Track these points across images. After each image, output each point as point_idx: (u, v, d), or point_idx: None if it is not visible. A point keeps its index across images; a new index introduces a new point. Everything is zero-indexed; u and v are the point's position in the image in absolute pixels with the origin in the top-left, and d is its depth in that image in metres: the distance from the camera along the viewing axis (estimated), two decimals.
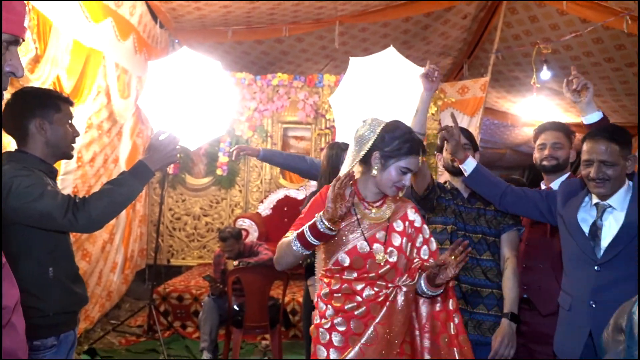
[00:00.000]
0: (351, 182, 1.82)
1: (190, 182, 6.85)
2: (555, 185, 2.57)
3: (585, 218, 2.17)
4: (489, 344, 2.37)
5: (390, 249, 1.95)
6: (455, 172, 2.60)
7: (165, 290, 5.38)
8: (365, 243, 1.93)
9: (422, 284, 1.92)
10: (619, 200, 2.11)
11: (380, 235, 1.96)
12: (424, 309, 2.01)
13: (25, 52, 3.42)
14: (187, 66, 4.59)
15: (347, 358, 1.83)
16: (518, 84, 8.09)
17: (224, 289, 4.29)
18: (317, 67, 7.86)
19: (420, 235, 2.05)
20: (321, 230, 1.79)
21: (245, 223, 6.13)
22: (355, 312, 1.88)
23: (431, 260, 1.96)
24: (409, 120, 2.62)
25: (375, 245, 1.93)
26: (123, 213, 5.31)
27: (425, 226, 2.09)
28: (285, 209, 6.50)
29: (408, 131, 2.00)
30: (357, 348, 1.84)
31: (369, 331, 1.85)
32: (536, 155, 2.66)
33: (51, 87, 3.69)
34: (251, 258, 4.42)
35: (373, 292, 1.90)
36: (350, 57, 4.47)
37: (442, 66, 8.37)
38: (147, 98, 4.72)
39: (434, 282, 1.89)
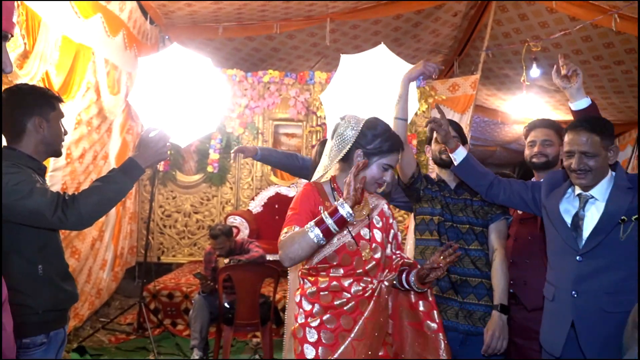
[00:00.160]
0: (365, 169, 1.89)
1: (181, 179, 6.83)
2: None
3: (568, 209, 2.19)
4: (481, 334, 2.39)
5: (374, 245, 1.99)
6: (443, 164, 2.62)
7: (155, 288, 5.37)
8: (352, 240, 1.95)
9: (412, 279, 2.00)
10: (601, 191, 2.12)
11: (364, 232, 2.00)
12: (397, 299, 2.07)
13: (13, 47, 3.39)
14: (178, 63, 4.57)
15: (338, 353, 1.85)
16: (508, 82, 8.13)
17: (214, 287, 4.28)
18: (308, 64, 7.85)
19: (392, 231, 2.12)
20: (344, 215, 1.77)
21: (236, 220, 6.12)
22: (345, 308, 1.90)
23: (409, 259, 2.05)
24: None
25: (362, 242, 1.96)
26: (113, 210, 5.28)
27: (394, 221, 2.16)
28: (277, 206, 6.50)
29: (388, 128, 2.05)
30: (347, 343, 1.85)
31: (358, 326, 1.87)
32: (526, 152, 2.68)
33: (40, 83, 3.66)
34: (242, 255, 4.42)
35: (360, 288, 1.93)
36: (341, 55, 4.47)
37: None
38: (138, 94, 4.69)
39: (424, 280, 1.98)
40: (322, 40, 6.78)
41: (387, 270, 2.01)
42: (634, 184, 2.08)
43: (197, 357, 4.25)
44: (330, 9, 6.37)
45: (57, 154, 2.21)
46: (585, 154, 2.08)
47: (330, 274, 1.93)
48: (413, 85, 4.56)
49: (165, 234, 6.82)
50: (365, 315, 1.89)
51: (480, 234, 2.53)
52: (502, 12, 6.56)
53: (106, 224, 5.41)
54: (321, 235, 1.77)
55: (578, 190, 2.17)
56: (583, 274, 2.08)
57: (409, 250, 3.12)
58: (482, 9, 6.83)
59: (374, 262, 1.97)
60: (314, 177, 2.09)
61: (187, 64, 4.58)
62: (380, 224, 2.07)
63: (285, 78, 6.78)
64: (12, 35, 1.19)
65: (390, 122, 2.55)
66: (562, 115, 8.24)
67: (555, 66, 2.41)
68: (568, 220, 2.17)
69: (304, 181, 4.48)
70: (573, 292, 2.08)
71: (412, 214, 2.75)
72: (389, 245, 2.09)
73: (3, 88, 2.12)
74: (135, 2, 5.56)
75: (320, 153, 3.06)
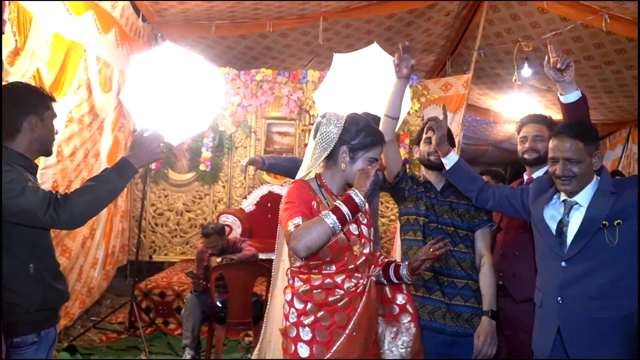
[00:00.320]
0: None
1: (173, 177, 6.81)
2: (537, 176, 2.60)
3: (554, 215, 2.20)
4: (469, 335, 2.40)
5: (363, 240, 2.02)
6: (431, 165, 2.62)
7: (147, 287, 5.35)
8: (344, 236, 1.96)
9: (404, 272, 2.03)
10: (586, 197, 2.12)
11: (353, 228, 2.01)
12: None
13: (4, 44, 3.36)
14: (170, 60, 4.55)
15: (334, 350, 1.85)
16: (500, 81, 8.17)
17: (206, 286, 4.27)
18: (301, 62, 7.85)
19: (372, 228, 2.16)
20: (358, 203, 1.85)
21: (228, 219, 6.10)
22: (339, 305, 1.90)
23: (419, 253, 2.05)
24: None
25: (352, 238, 1.98)
26: (104, 208, 5.26)
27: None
28: (269, 204, 6.49)
29: (369, 122, 2.08)
30: (342, 340, 1.86)
31: (352, 322, 1.88)
32: (519, 147, 2.70)
33: (31, 81, 3.64)
34: (234, 254, 4.41)
35: (353, 284, 1.94)
36: (334, 53, 4.48)
37: (425, 63, 8.42)
38: (130, 92, 4.67)
39: (415, 271, 2.02)
40: (315, 39, 6.78)
41: (372, 266, 2.05)
42: (618, 189, 2.08)
43: (189, 357, 4.24)
44: (323, 8, 6.38)
45: (48, 153, 2.22)
46: (569, 160, 2.08)
47: (323, 271, 1.93)
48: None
49: (157, 232, 6.80)
50: (358, 311, 1.90)
51: (465, 237, 2.54)
52: (494, 12, 6.59)
53: (97, 222, 5.39)
54: (337, 221, 1.81)
55: (563, 197, 2.18)
56: (568, 279, 2.09)
57: (398, 249, 3.13)
58: (474, 8, 6.86)
59: (363, 258, 1.99)
60: (298, 177, 2.10)
61: (180, 62, 4.57)
62: (365, 220, 2.10)
63: (278, 76, 6.77)
64: (3, 33, 1.19)
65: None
66: (553, 115, 8.26)
67: (547, 57, 2.40)
68: (553, 226, 2.17)
69: None
70: (559, 298, 2.09)
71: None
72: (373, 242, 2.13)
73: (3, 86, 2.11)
74: (127, 0, 5.54)
75: None
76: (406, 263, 2.04)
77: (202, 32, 6.75)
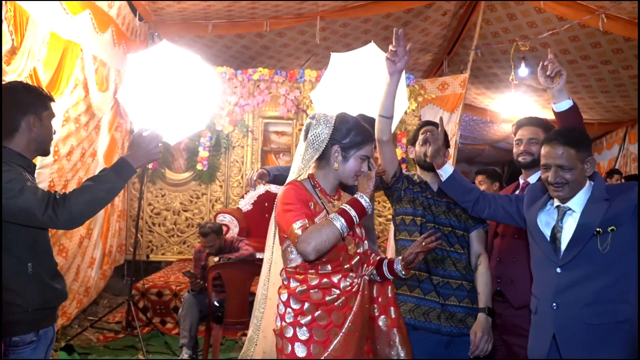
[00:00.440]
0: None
1: (170, 176, 6.80)
2: (533, 179, 2.60)
3: (548, 221, 2.20)
4: (464, 335, 2.41)
5: (357, 240, 2.04)
6: (428, 166, 2.61)
7: (144, 286, 5.34)
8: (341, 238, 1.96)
9: (398, 267, 2.04)
10: (579, 203, 2.12)
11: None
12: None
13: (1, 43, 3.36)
14: (167, 60, 4.55)
15: (331, 349, 1.86)
16: (497, 81, 8.18)
17: (204, 285, 4.27)
18: (298, 62, 7.85)
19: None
20: (365, 206, 1.92)
21: (226, 218, 6.10)
22: (336, 304, 1.91)
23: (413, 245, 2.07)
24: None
25: (347, 238, 1.98)
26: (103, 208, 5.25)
27: None
28: (266, 204, 6.48)
29: (358, 121, 2.11)
30: (339, 338, 1.87)
31: (349, 321, 1.89)
32: (514, 150, 2.69)
33: (28, 80, 3.63)
34: (232, 254, 4.41)
35: (348, 283, 1.95)
36: (331, 53, 4.48)
37: (422, 62, 8.43)
38: (127, 91, 4.67)
39: (409, 265, 2.04)
40: (312, 38, 6.79)
41: (365, 265, 2.05)
42: (612, 195, 2.08)
43: (186, 356, 4.24)
44: (321, 7, 6.38)
45: (46, 153, 2.22)
46: (561, 167, 2.08)
47: (320, 272, 1.94)
48: (403, 84, 4.59)
49: (154, 232, 6.79)
50: (354, 310, 1.91)
51: (462, 237, 2.55)
52: (490, 11, 6.61)
53: (94, 222, 5.38)
54: (345, 224, 1.86)
55: (557, 202, 2.17)
56: (563, 285, 2.08)
57: (392, 248, 3.14)
58: (471, 8, 6.87)
59: (358, 257, 2.01)
60: (290, 179, 2.10)
61: (177, 61, 4.56)
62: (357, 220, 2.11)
63: (275, 76, 6.77)
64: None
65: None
66: (550, 114, 8.23)
67: (541, 63, 2.41)
68: (547, 232, 2.17)
69: None
70: (554, 304, 2.09)
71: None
72: (366, 241, 2.14)
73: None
74: None
75: None
76: (400, 258, 2.05)
77: (199, 32, 6.74)
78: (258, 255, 4.62)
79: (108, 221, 5.82)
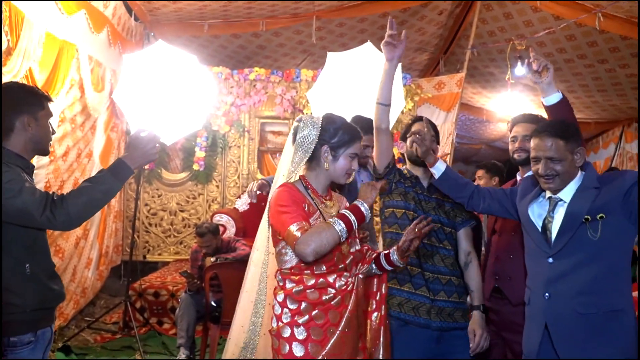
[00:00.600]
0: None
1: (167, 177, 6.79)
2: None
3: (540, 213, 2.20)
4: (453, 329, 2.45)
5: (350, 240, 2.05)
6: (418, 161, 2.62)
7: (141, 287, 5.33)
8: None
9: (394, 256, 2.05)
10: (569, 193, 2.12)
11: None
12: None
13: None
14: (163, 60, 4.54)
15: (329, 347, 1.89)
16: (493, 80, 8.19)
17: (201, 285, 4.26)
18: (294, 61, 7.84)
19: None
20: (364, 213, 1.95)
21: (222, 218, 6.08)
22: (332, 303, 1.93)
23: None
24: (389, 116, 2.63)
25: None
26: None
27: None
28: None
29: (344, 120, 2.15)
30: (336, 336, 1.90)
31: (344, 319, 1.92)
32: (510, 147, 2.70)
33: (23, 80, 3.62)
34: (229, 254, 4.40)
35: (343, 282, 1.98)
36: (327, 52, 4.48)
37: (419, 62, 8.43)
38: (122, 92, 4.66)
39: (405, 253, 2.05)
40: (309, 38, 6.78)
41: (360, 264, 2.07)
42: (602, 184, 2.08)
43: (183, 356, 4.23)
44: (317, 7, 6.38)
45: (45, 152, 2.21)
46: (550, 159, 2.09)
47: (315, 272, 1.95)
48: (399, 83, 4.59)
49: (151, 232, 6.78)
50: (349, 308, 1.94)
51: (450, 234, 2.58)
52: (487, 10, 6.61)
53: (91, 223, 5.37)
54: (345, 229, 1.89)
55: (549, 194, 2.18)
56: (554, 275, 2.09)
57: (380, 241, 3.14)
58: (468, 7, 6.88)
59: (351, 257, 2.04)
60: (280, 182, 2.11)
61: (173, 61, 4.55)
62: None
63: (272, 76, 6.75)
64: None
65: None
66: (546, 113, 8.30)
67: (526, 60, 2.42)
68: (539, 223, 2.18)
69: None
70: (546, 295, 2.10)
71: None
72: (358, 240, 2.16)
73: None
74: None
75: None
76: (394, 248, 2.06)
77: (194, 32, 6.73)
78: None
79: (105, 222, 5.81)
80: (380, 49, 2.52)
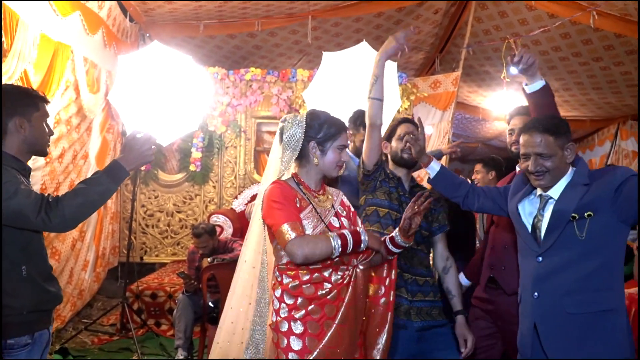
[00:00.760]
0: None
1: (163, 178, 6.78)
2: None
3: (532, 211, 2.18)
4: (432, 327, 2.50)
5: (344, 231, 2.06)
6: (403, 163, 2.64)
7: (138, 288, 5.32)
8: (327, 230, 2.04)
9: (399, 238, 2.06)
10: (559, 191, 2.09)
11: (334, 221, 2.11)
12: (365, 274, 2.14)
13: None
14: (159, 60, 4.53)
15: (326, 340, 1.91)
16: (489, 79, 8.20)
17: (198, 286, 4.26)
18: (290, 61, 7.84)
19: (358, 218, 2.25)
20: (362, 240, 1.97)
21: (219, 219, 6.08)
22: (328, 297, 1.96)
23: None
24: (385, 115, 2.64)
25: (334, 231, 2.03)
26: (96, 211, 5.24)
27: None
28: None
29: (328, 114, 2.18)
30: (333, 329, 1.92)
31: (341, 312, 1.95)
32: (507, 139, 2.72)
33: (18, 82, 3.62)
34: (226, 254, 4.40)
35: (339, 276, 2.00)
36: (323, 52, 4.48)
37: (414, 61, 8.44)
38: (118, 93, 4.65)
39: (408, 232, 2.06)
40: (304, 37, 6.78)
41: (361, 255, 2.07)
42: (593, 180, 2.04)
43: (181, 357, 4.23)
44: (312, 7, 6.38)
45: (42, 153, 2.20)
46: (540, 155, 2.06)
47: (310, 267, 1.98)
48: (395, 82, 4.60)
49: (148, 233, 6.77)
50: (345, 301, 1.97)
51: (426, 238, 2.63)
52: (482, 9, 6.62)
53: (87, 224, 5.36)
54: (340, 247, 1.92)
55: (540, 191, 2.15)
56: (543, 274, 2.07)
57: None
58: (463, 6, 6.89)
59: None
60: (270, 180, 2.13)
61: (168, 62, 4.55)
62: (345, 212, 2.19)
63: (267, 76, 6.75)
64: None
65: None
66: (527, 102, 8.33)
67: (509, 57, 2.43)
68: (530, 221, 2.16)
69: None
70: (535, 294, 2.08)
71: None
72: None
73: None
74: (114, 0, 5.50)
75: None
76: (396, 230, 2.08)
77: (190, 32, 6.72)
78: None
79: (101, 223, 5.80)
80: (375, 49, 2.53)
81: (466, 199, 2.45)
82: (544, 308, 2.06)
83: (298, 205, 2.01)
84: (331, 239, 1.92)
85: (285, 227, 1.91)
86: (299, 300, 1.96)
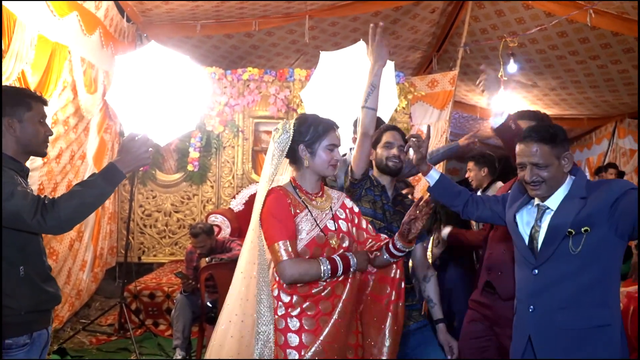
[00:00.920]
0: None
1: (161, 178, 6.77)
2: None
3: (529, 221, 2.14)
4: (416, 329, 2.55)
5: (341, 234, 2.13)
6: (388, 171, 2.64)
7: (136, 288, 5.32)
8: (322, 234, 2.07)
9: (398, 243, 2.08)
10: (557, 201, 2.06)
11: (330, 224, 2.13)
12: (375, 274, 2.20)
13: None
14: (156, 60, 4.53)
15: (324, 335, 1.95)
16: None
17: (196, 286, 4.26)
18: (287, 61, 7.84)
19: (363, 220, 2.28)
20: (351, 264, 2.03)
21: (217, 219, 6.08)
22: (322, 294, 2.01)
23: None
24: (383, 115, 2.65)
25: (329, 234, 2.09)
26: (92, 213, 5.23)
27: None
28: None
29: (315, 115, 2.22)
30: (331, 324, 1.97)
31: (339, 308, 2.00)
32: None
33: (16, 83, 3.62)
34: (224, 254, 4.40)
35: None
36: (320, 52, 4.48)
37: (412, 60, 8.45)
38: (116, 93, 4.65)
39: (408, 237, 2.07)
40: (301, 37, 6.78)
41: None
42: (590, 192, 2.00)
43: (179, 357, 4.23)
44: (309, 6, 6.38)
45: (39, 153, 2.21)
46: (536, 165, 2.02)
47: None
48: (393, 81, 4.61)
49: (146, 233, 6.77)
50: (343, 297, 2.02)
51: None
52: (479, 8, 6.63)
53: (85, 225, 5.35)
54: (329, 272, 1.98)
55: (537, 201, 2.12)
56: (538, 287, 2.04)
57: None
58: (460, 5, 6.89)
59: (342, 250, 2.09)
60: (263, 186, 2.16)
61: (165, 62, 4.55)
62: (344, 215, 2.20)
63: (265, 75, 6.75)
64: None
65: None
66: (540, 109, 8.34)
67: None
68: (527, 231, 2.12)
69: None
70: (530, 307, 2.06)
71: None
72: (362, 232, 2.23)
73: None
74: (111, 0, 5.49)
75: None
76: (396, 235, 2.09)
77: (187, 32, 6.71)
78: None
79: (99, 223, 5.79)
80: None
81: (465, 208, 2.43)
82: (539, 321, 2.04)
83: (293, 212, 2.05)
84: (321, 264, 1.97)
85: (278, 246, 1.97)
86: (295, 298, 2.01)
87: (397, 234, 2.09)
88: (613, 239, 1.95)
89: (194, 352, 4.36)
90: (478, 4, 6.56)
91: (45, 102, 2.21)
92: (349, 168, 2.62)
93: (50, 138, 2.25)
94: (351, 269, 2.02)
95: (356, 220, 2.23)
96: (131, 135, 2.09)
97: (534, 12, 6.21)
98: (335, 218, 2.15)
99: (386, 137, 2.67)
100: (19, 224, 1.93)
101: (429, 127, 2.59)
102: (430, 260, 2.75)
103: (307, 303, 2.00)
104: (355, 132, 3.38)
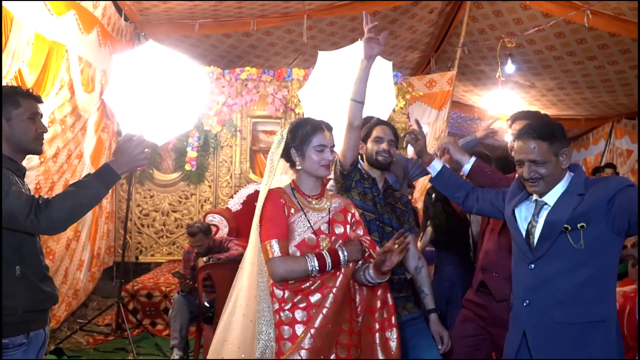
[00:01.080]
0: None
1: (159, 177, 6.76)
2: None
3: (527, 216, 2.15)
4: (409, 320, 2.55)
5: (334, 237, 2.15)
6: (378, 165, 2.65)
7: (133, 288, 5.31)
8: (313, 236, 2.11)
9: (371, 273, 2.07)
10: (554, 197, 2.06)
11: (324, 227, 2.16)
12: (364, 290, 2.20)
13: None
14: (154, 60, 4.52)
15: (316, 324, 1.99)
16: (484, 78, 8.22)
17: (193, 286, 4.25)
18: (286, 61, 7.84)
19: (361, 227, 2.26)
20: (341, 259, 2.05)
21: (215, 219, 6.07)
22: (312, 288, 2.05)
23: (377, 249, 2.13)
24: (380, 114, 2.65)
25: (321, 236, 2.13)
26: (87, 213, 5.21)
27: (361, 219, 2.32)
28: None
29: (306, 118, 2.30)
30: (320, 316, 2.00)
31: (330, 298, 2.03)
32: (509, 144, 2.71)
33: (13, 81, 3.60)
34: (222, 254, 4.39)
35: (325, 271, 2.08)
36: (318, 51, 4.48)
37: (410, 60, 8.45)
38: (113, 92, 4.64)
39: (381, 269, 2.03)
40: (300, 37, 6.78)
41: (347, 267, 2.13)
42: (588, 189, 2.00)
43: (177, 357, 4.22)
44: (307, 6, 6.38)
45: (32, 152, 2.19)
46: (534, 162, 2.02)
47: None
48: (390, 81, 4.60)
49: (143, 233, 6.75)
50: (334, 288, 2.04)
51: None
52: (477, 8, 6.64)
53: (82, 224, 5.34)
54: (317, 267, 2.01)
55: (535, 197, 2.12)
56: (535, 282, 2.04)
57: None
58: (458, 5, 6.91)
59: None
60: (263, 188, 2.19)
61: (163, 61, 4.54)
62: (342, 218, 2.23)
63: (263, 75, 6.74)
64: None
65: (372, 114, 2.56)
66: (538, 110, 8.35)
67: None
68: (524, 226, 2.13)
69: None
70: (525, 302, 2.06)
71: None
72: (354, 236, 2.23)
73: None
74: None
75: None
76: (371, 264, 2.07)
77: (185, 31, 6.71)
78: None
79: (96, 223, 5.78)
80: None
81: (466, 200, 2.44)
82: (534, 316, 2.04)
83: (287, 212, 2.11)
84: (308, 261, 2.00)
85: (268, 244, 2.03)
86: (286, 293, 2.06)
87: (372, 264, 2.07)
88: (610, 235, 1.95)
89: (192, 352, 4.35)
90: (476, 5, 6.57)
91: (37, 99, 2.18)
92: (338, 160, 2.63)
93: (45, 136, 2.23)
94: (342, 263, 2.05)
95: (354, 227, 2.24)
96: (127, 135, 2.08)
97: (531, 12, 6.23)
98: (331, 221, 2.17)
99: (376, 131, 2.68)
100: (13, 224, 1.92)
101: (417, 120, 2.64)
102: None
103: (299, 297, 2.05)
104: None
